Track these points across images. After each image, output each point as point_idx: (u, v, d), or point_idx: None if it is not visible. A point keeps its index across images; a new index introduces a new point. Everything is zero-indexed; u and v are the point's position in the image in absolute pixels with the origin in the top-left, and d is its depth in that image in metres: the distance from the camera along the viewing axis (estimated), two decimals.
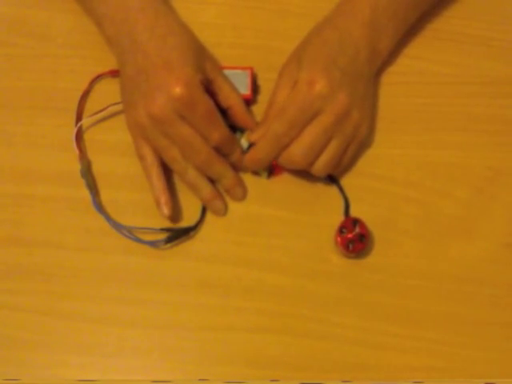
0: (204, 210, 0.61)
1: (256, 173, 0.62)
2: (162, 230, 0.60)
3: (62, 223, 0.61)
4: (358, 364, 0.58)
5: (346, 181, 0.62)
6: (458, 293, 0.60)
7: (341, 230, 0.59)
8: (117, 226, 0.60)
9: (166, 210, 0.59)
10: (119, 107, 0.62)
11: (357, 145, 0.61)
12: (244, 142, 0.61)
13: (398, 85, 0.65)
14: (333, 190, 0.62)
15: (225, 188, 0.61)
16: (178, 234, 0.60)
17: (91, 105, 0.64)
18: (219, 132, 0.58)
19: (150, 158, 0.59)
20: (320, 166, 0.59)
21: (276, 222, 0.61)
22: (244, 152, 0.61)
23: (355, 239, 0.59)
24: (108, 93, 0.63)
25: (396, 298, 0.59)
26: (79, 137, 0.63)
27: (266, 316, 0.59)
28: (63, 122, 0.63)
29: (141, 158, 0.60)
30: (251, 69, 0.63)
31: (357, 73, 0.60)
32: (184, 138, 0.57)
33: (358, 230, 0.59)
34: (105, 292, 0.59)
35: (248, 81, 0.62)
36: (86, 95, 0.64)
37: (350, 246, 0.59)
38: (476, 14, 0.68)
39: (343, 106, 0.57)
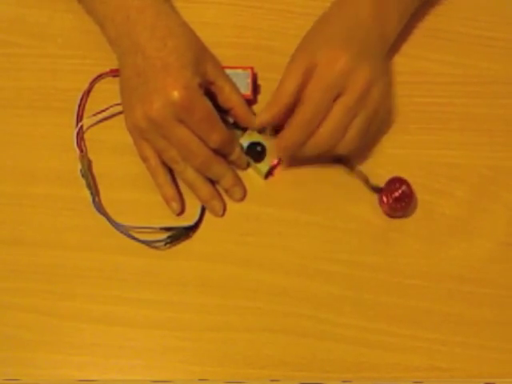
0: (203, 210, 0.61)
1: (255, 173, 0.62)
2: (162, 229, 0.60)
3: (62, 223, 0.61)
4: (358, 364, 0.58)
5: (346, 181, 0.62)
6: (458, 293, 0.60)
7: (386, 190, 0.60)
8: (117, 226, 0.60)
9: (175, 206, 0.60)
10: (120, 107, 0.62)
11: (378, 121, 0.60)
12: (244, 141, 0.61)
13: (397, 85, 0.65)
14: (333, 190, 0.62)
15: (224, 188, 0.61)
16: (178, 234, 0.60)
17: (92, 105, 0.64)
18: (218, 135, 0.58)
19: (154, 159, 0.60)
20: (345, 145, 0.59)
21: (276, 221, 0.61)
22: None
23: (400, 198, 0.59)
24: (109, 92, 0.63)
25: (396, 298, 0.59)
26: (80, 137, 0.63)
27: (266, 316, 0.59)
28: (63, 121, 0.63)
29: (144, 159, 0.60)
30: (252, 69, 0.63)
31: (371, 50, 0.60)
32: (181, 140, 0.57)
33: (403, 188, 0.60)
34: (105, 292, 0.59)
35: (248, 81, 0.62)
36: (86, 95, 0.64)
37: (396, 204, 0.59)
38: (476, 14, 0.68)
39: (366, 82, 0.57)
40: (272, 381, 0.57)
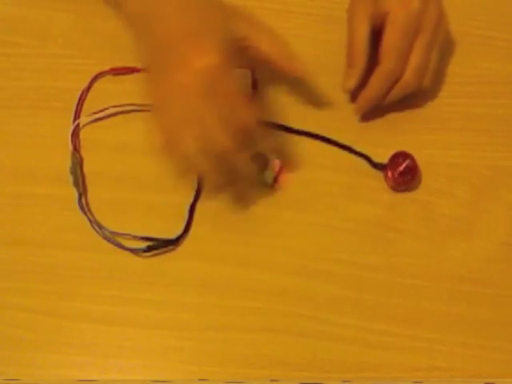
0: (188, 225, 0.60)
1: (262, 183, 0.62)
2: (142, 238, 0.59)
3: (61, 223, 0.61)
4: (358, 364, 0.58)
5: (346, 181, 0.62)
6: (458, 293, 0.60)
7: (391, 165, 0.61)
8: (97, 228, 0.59)
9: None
10: (119, 108, 0.62)
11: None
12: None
13: None
14: (333, 190, 0.62)
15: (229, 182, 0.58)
16: (157, 245, 0.59)
17: (91, 103, 0.64)
18: (244, 112, 0.53)
19: (163, 134, 0.54)
20: (429, 79, 0.61)
21: (276, 221, 0.61)
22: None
23: (405, 172, 0.60)
24: (108, 92, 0.64)
25: (396, 298, 0.59)
26: (75, 135, 0.63)
27: (266, 316, 0.59)
28: (63, 121, 0.63)
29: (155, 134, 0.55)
30: (252, 68, 0.63)
31: None
32: (202, 115, 0.52)
33: (407, 162, 0.60)
34: (105, 292, 0.59)
35: (248, 81, 0.62)
36: (86, 93, 0.64)
37: (401, 179, 0.60)
38: (476, 14, 0.68)
39: (438, 16, 0.60)
40: (272, 381, 0.57)
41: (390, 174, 0.61)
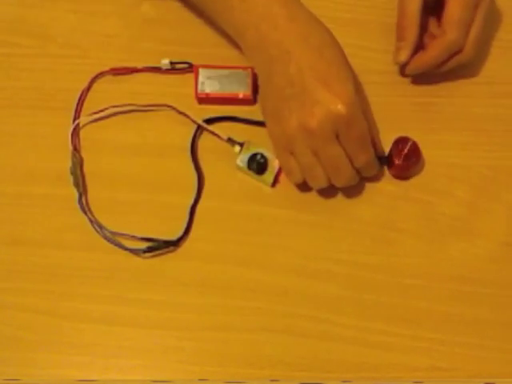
0: (188, 227, 0.60)
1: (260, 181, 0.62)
2: (142, 239, 0.59)
3: (61, 223, 0.61)
4: (358, 364, 0.58)
5: None
6: (458, 293, 0.60)
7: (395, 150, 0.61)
8: (97, 228, 0.60)
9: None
10: (119, 108, 0.62)
11: None
12: (244, 155, 0.61)
13: (397, 84, 0.65)
14: (333, 190, 0.62)
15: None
16: (157, 246, 0.59)
17: (91, 103, 0.64)
18: (367, 155, 0.58)
19: (300, 173, 0.59)
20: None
21: (276, 221, 0.61)
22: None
23: (409, 154, 0.60)
24: (108, 92, 0.64)
25: (396, 298, 0.59)
26: (75, 134, 0.63)
27: (266, 316, 0.59)
28: (63, 121, 0.63)
29: (288, 172, 0.59)
30: (252, 68, 0.63)
31: None
32: (332, 158, 0.56)
33: (410, 143, 0.61)
34: (105, 292, 0.59)
35: (248, 81, 0.63)
36: (86, 92, 0.64)
37: (407, 162, 0.60)
38: None
39: None
40: (272, 381, 0.57)
41: (396, 160, 0.60)
